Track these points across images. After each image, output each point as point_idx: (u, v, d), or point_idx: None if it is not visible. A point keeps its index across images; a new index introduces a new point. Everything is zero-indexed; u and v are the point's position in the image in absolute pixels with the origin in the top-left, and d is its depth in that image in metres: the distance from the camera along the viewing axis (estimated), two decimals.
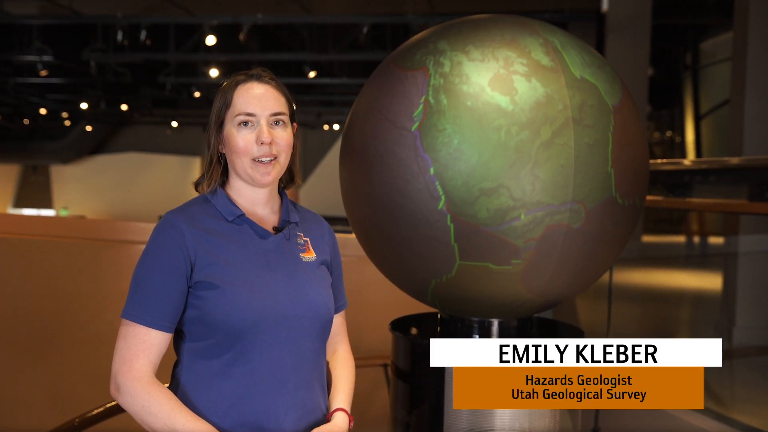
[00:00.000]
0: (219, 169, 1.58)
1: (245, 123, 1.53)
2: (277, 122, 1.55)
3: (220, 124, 1.55)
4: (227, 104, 1.54)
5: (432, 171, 1.69)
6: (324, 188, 18.82)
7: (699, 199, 4.38)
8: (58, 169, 21.47)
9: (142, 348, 1.44)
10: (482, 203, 1.67)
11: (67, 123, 20.36)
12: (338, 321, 1.74)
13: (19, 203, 21.77)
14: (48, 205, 21.48)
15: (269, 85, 1.57)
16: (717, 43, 10.08)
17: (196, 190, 1.61)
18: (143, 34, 9.83)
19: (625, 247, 1.94)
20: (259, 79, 1.56)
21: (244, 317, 1.45)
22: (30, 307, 4.58)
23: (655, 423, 3.19)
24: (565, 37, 1.81)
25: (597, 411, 2.92)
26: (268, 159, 1.53)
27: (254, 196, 1.58)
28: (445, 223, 1.70)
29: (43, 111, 18.30)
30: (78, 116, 19.67)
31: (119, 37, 9.94)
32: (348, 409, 1.64)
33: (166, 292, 1.45)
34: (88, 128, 20.54)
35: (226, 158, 1.58)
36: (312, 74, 12.08)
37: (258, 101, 1.53)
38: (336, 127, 19.18)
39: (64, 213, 20.64)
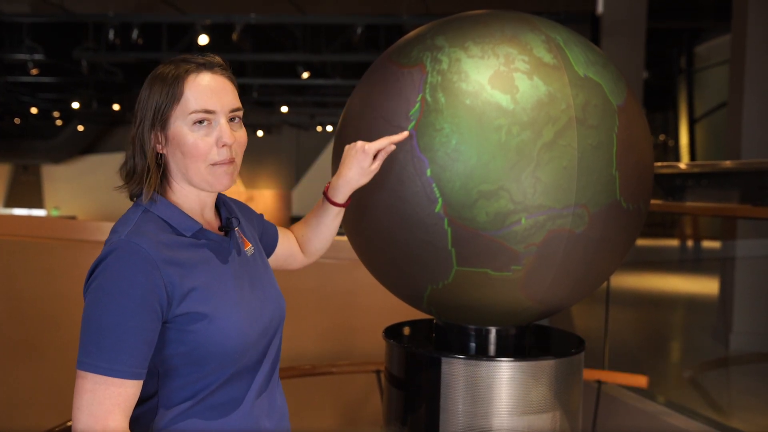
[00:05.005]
0: (158, 173, 1.33)
1: (201, 121, 1.31)
2: (232, 119, 1.35)
3: (164, 122, 1.31)
4: (175, 98, 1.29)
5: (429, 172, 1.62)
6: (316, 190, 18.77)
7: (701, 203, 4.34)
8: (49, 168, 21.37)
9: (117, 402, 1.21)
10: (481, 206, 1.60)
11: (59, 122, 20.26)
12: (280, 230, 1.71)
13: (9, 203, 21.66)
14: (39, 205, 21.37)
15: (223, 76, 1.35)
16: (712, 47, 10.06)
17: (131, 200, 1.36)
18: (135, 33, 9.73)
19: (629, 253, 1.87)
20: (211, 69, 1.34)
21: (239, 342, 1.31)
22: (18, 309, 4.52)
23: (652, 428, 3.14)
24: (567, 33, 1.75)
25: (595, 412, 2.87)
26: (227, 164, 1.33)
27: (205, 200, 1.39)
28: (442, 226, 1.64)
29: (34, 110, 18.20)
30: (69, 116, 19.58)
31: (111, 35, 9.84)
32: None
33: (143, 335, 1.22)
34: (80, 128, 20.43)
35: (163, 160, 1.35)
36: (305, 75, 12.03)
37: (216, 96, 1.31)
38: (329, 128, 19.14)
39: (55, 213, 20.53)
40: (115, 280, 1.22)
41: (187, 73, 1.31)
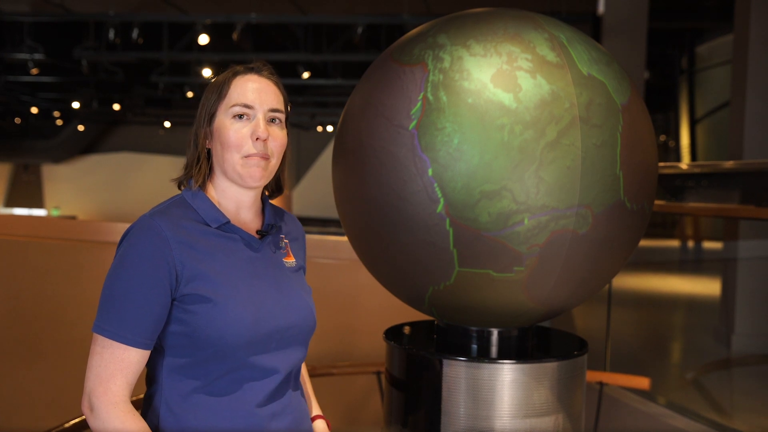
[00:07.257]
0: (207, 166, 1.46)
1: (240, 116, 1.42)
2: (273, 120, 1.46)
3: (211, 117, 1.44)
4: (222, 95, 1.44)
5: (430, 172, 1.60)
6: (317, 190, 18.79)
7: (703, 204, 4.32)
8: (49, 168, 21.38)
9: (119, 367, 1.31)
10: (483, 206, 1.58)
11: (59, 122, 20.28)
12: None
13: (10, 202, 21.67)
14: (39, 204, 21.38)
15: (269, 80, 1.48)
16: (713, 47, 10.06)
17: (179, 188, 1.49)
18: (135, 33, 9.75)
19: (632, 254, 1.85)
20: (258, 72, 1.48)
21: (239, 332, 1.35)
22: (19, 309, 4.51)
23: (654, 429, 3.13)
24: (571, 32, 1.72)
25: (597, 414, 2.86)
26: (260, 158, 1.42)
27: (241, 198, 1.48)
28: (443, 227, 1.62)
29: (34, 110, 18.21)
30: (70, 115, 19.59)
31: (111, 35, 9.85)
32: (322, 414, 1.70)
33: (148, 307, 1.32)
34: (80, 127, 20.45)
35: (211, 155, 1.47)
36: (306, 75, 12.03)
37: (257, 94, 1.44)
38: (330, 128, 19.13)
39: (55, 213, 20.54)
40: (129, 253, 1.34)
41: (236, 74, 1.46)
